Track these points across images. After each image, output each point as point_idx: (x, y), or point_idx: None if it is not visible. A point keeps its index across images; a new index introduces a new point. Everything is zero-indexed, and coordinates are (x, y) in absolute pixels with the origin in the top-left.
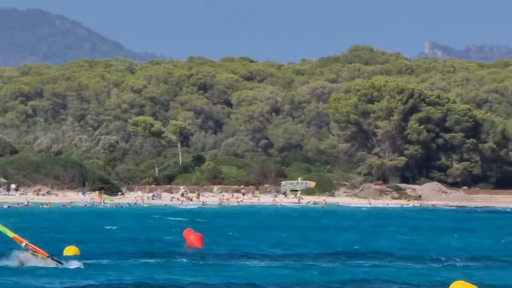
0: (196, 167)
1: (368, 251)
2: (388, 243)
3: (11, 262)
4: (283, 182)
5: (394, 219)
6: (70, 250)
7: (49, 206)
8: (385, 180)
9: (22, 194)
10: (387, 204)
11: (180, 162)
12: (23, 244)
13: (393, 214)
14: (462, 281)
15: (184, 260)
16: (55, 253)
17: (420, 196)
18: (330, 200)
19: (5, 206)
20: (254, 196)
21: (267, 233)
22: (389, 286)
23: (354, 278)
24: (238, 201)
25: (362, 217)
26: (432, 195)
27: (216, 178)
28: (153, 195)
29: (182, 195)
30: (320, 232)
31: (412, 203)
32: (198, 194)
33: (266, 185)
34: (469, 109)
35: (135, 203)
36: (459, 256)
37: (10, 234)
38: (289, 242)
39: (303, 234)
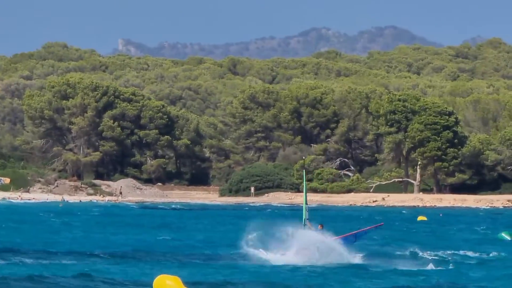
0: None
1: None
2: (67, 240)
3: None
4: None
5: (78, 215)
6: None
7: None
8: (80, 176)
9: None
10: (80, 200)
11: None
12: None
13: (78, 210)
14: (164, 275)
15: None
16: None
17: (121, 193)
18: (26, 196)
19: None
20: None
21: None
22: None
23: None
24: None
25: (48, 214)
26: (127, 191)
27: None
28: None
29: None
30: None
31: (107, 199)
32: None
33: None
34: (163, 106)
35: None
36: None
37: None
38: None
39: None
